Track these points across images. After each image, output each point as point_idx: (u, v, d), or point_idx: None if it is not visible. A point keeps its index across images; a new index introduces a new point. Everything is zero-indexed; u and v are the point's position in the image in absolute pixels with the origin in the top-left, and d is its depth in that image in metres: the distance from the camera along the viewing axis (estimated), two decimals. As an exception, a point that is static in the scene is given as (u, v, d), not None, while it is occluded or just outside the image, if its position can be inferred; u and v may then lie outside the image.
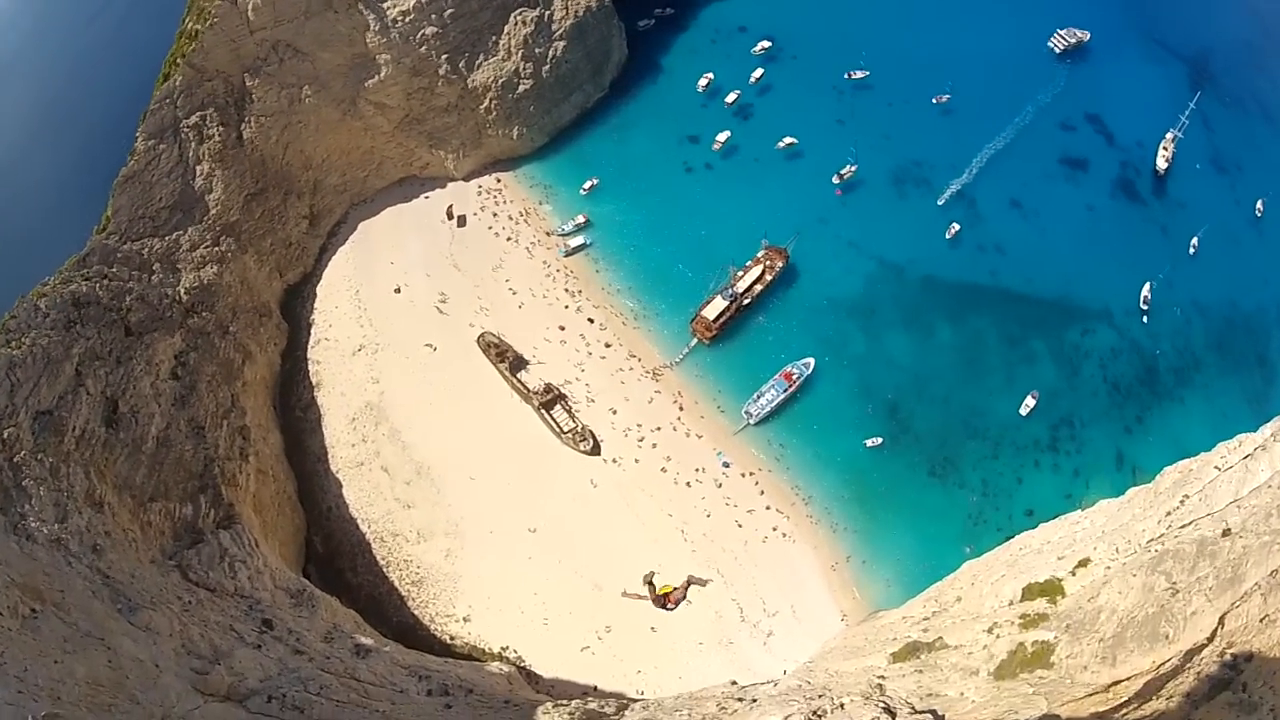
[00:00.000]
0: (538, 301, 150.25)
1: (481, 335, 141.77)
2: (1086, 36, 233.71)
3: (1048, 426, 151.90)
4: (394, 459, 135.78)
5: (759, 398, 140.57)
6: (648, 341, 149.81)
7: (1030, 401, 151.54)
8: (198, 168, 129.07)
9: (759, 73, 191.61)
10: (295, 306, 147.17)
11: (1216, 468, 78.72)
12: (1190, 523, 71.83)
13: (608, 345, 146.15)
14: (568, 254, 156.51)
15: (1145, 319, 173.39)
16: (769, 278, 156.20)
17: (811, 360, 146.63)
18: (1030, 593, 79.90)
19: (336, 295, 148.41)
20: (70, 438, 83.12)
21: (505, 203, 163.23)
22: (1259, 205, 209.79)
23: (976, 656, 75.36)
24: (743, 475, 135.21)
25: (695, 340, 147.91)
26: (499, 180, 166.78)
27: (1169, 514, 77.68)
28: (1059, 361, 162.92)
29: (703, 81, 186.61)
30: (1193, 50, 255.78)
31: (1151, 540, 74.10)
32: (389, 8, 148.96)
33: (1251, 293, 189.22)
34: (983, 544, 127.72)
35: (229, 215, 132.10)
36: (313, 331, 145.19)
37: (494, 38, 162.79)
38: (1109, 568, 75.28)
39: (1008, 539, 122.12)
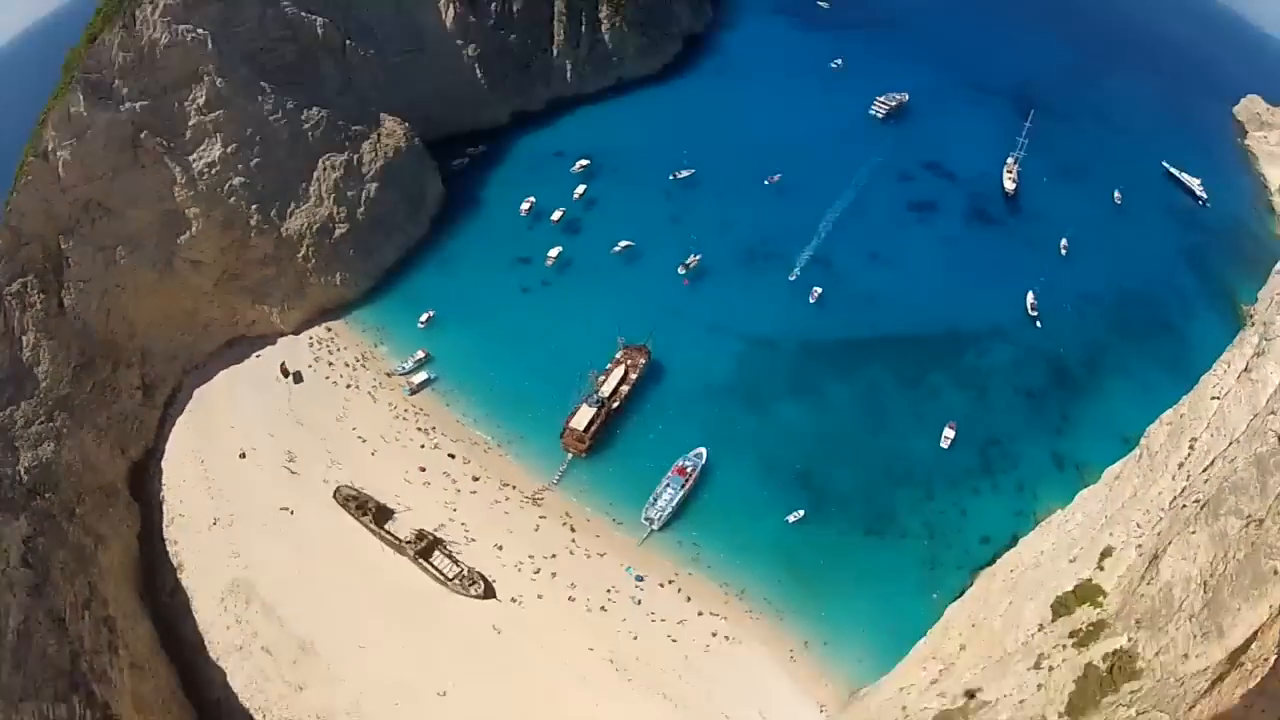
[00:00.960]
0: (391, 446, 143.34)
1: (338, 490, 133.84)
2: (905, 97, 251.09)
3: (974, 451, 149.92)
4: (274, 637, 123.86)
5: (656, 500, 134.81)
6: (519, 466, 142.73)
7: (949, 433, 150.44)
8: (23, 338, 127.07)
9: (581, 189, 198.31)
10: (143, 484, 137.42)
11: (1214, 398, 78.15)
12: (1215, 459, 68.12)
13: (476, 479, 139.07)
14: (412, 392, 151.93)
15: (1038, 324, 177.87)
16: (634, 376, 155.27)
17: (703, 450, 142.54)
18: (1063, 606, 73.77)
19: (183, 468, 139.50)
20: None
21: (339, 350, 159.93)
22: (1116, 195, 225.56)
23: (1035, 701, 67.05)
24: (661, 585, 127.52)
25: (570, 455, 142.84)
26: (329, 329, 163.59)
27: (1180, 465, 75.01)
28: (964, 387, 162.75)
29: (525, 205, 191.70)
30: (1012, 84, 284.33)
31: (1177, 497, 69.99)
32: (195, 160, 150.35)
33: (1135, 270, 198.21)
34: (948, 586, 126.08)
35: (60, 388, 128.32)
36: (165, 509, 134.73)
37: (303, 184, 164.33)
38: (1139, 546, 70.32)
39: (974, 572, 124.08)
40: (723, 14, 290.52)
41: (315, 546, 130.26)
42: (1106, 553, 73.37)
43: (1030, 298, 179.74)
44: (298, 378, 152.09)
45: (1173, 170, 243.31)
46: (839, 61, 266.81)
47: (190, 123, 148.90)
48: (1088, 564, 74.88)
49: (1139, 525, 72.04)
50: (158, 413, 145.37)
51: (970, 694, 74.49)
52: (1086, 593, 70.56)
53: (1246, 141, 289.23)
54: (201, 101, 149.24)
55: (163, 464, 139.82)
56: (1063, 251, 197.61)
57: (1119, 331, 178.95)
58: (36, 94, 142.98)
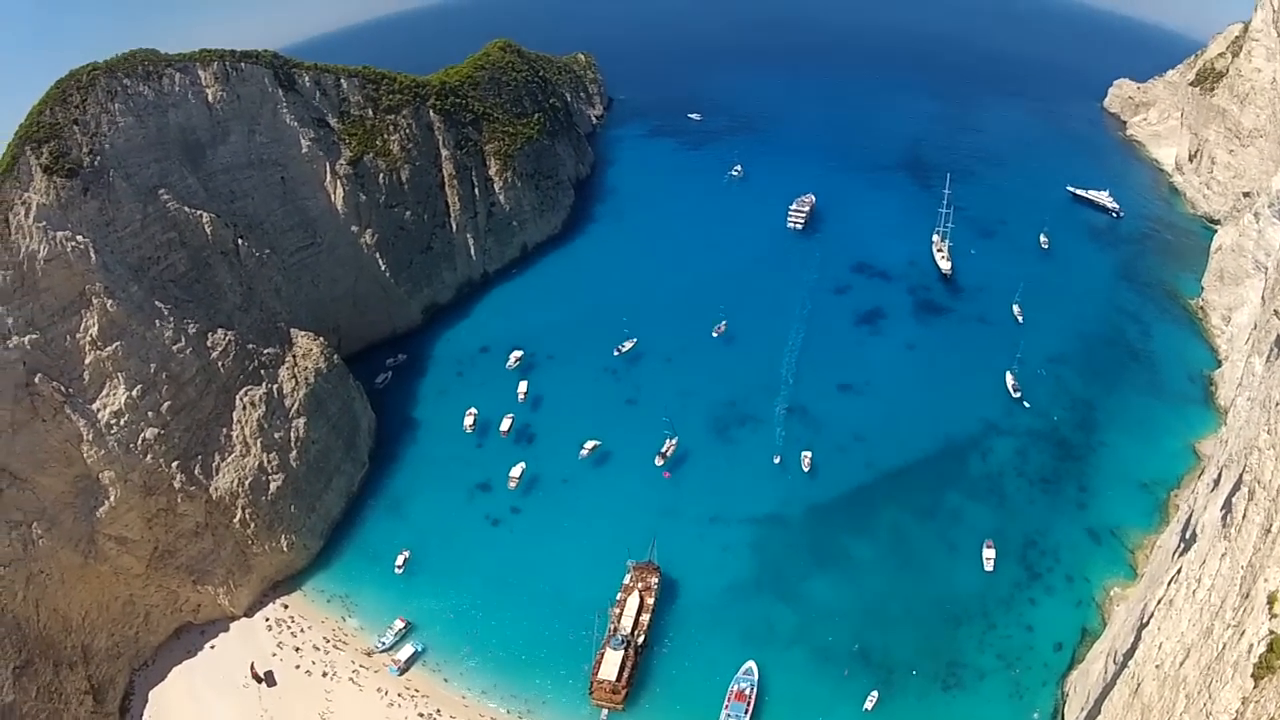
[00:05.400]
0: None
1: None
2: (813, 199, 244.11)
3: (1016, 562, 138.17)
4: None
5: None
6: None
7: (989, 553, 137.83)
8: None
9: (523, 386, 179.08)
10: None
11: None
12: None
13: None
14: (401, 671, 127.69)
15: (1026, 404, 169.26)
16: (650, 600, 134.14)
17: (752, 664, 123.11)
18: (1267, 667, 62.69)
19: None
20: None
21: (304, 630, 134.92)
22: (1042, 239, 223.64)
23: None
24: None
25: (605, 711, 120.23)
26: (286, 606, 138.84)
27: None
28: (983, 498, 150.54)
29: (468, 420, 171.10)
30: (899, 152, 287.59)
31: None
32: (99, 409, 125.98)
33: (1085, 310, 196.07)
34: (1041, 703, 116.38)
35: (3, 696, 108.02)
36: None
37: (224, 430, 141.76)
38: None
39: (1059, 680, 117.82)
40: (602, 148, 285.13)
41: None
42: (1273, 598, 65.23)
43: (1010, 379, 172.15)
44: (269, 680, 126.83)
45: (1078, 191, 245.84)
46: (739, 168, 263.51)
47: (86, 360, 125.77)
48: (1258, 619, 65.93)
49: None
50: None
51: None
52: (1288, 648, 63.68)
53: (1129, 132, 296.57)
54: (95, 332, 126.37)
55: None
56: (1019, 319, 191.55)
57: (1095, 379, 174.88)
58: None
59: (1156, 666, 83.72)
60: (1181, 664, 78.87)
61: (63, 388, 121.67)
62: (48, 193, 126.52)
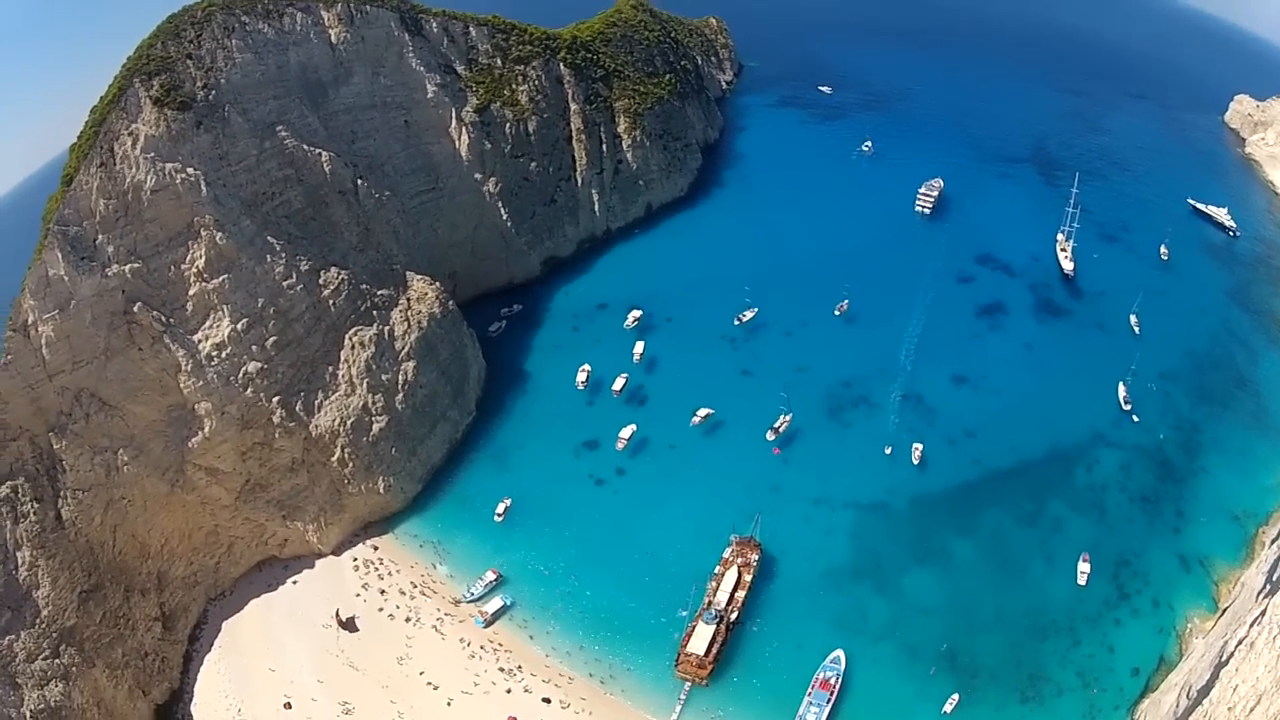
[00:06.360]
0: (470, 693, 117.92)
1: None
2: (941, 184, 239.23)
3: (1108, 580, 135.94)
4: None
5: None
6: (630, 704, 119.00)
7: (1084, 567, 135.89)
8: (18, 554, 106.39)
9: (640, 348, 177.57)
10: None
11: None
12: None
13: None
14: (487, 624, 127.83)
15: (1135, 418, 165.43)
16: (748, 577, 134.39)
17: (840, 653, 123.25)
18: None
19: (216, 718, 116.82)
20: None
21: (391, 573, 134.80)
22: (1163, 250, 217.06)
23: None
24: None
25: (688, 685, 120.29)
26: (376, 548, 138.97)
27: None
28: (1084, 511, 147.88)
29: (581, 376, 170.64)
30: (1027, 145, 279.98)
31: None
32: (200, 341, 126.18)
33: (1199, 330, 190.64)
34: None
35: (65, 618, 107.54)
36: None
37: (330, 368, 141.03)
38: None
39: (1132, 709, 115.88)
40: (732, 115, 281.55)
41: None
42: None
43: (1122, 390, 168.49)
44: (351, 626, 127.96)
45: (1199, 206, 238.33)
46: (869, 144, 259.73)
47: (190, 292, 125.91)
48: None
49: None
50: (181, 648, 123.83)
51: None
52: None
53: (1247, 150, 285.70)
54: (201, 264, 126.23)
55: (192, 709, 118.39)
56: (1135, 329, 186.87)
57: (1203, 401, 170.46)
58: (23, 254, 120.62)
59: (1229, 709, 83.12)
60: (1252, 710, 77.80)
61: (163, 317, 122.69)
62: (157, 124, 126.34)
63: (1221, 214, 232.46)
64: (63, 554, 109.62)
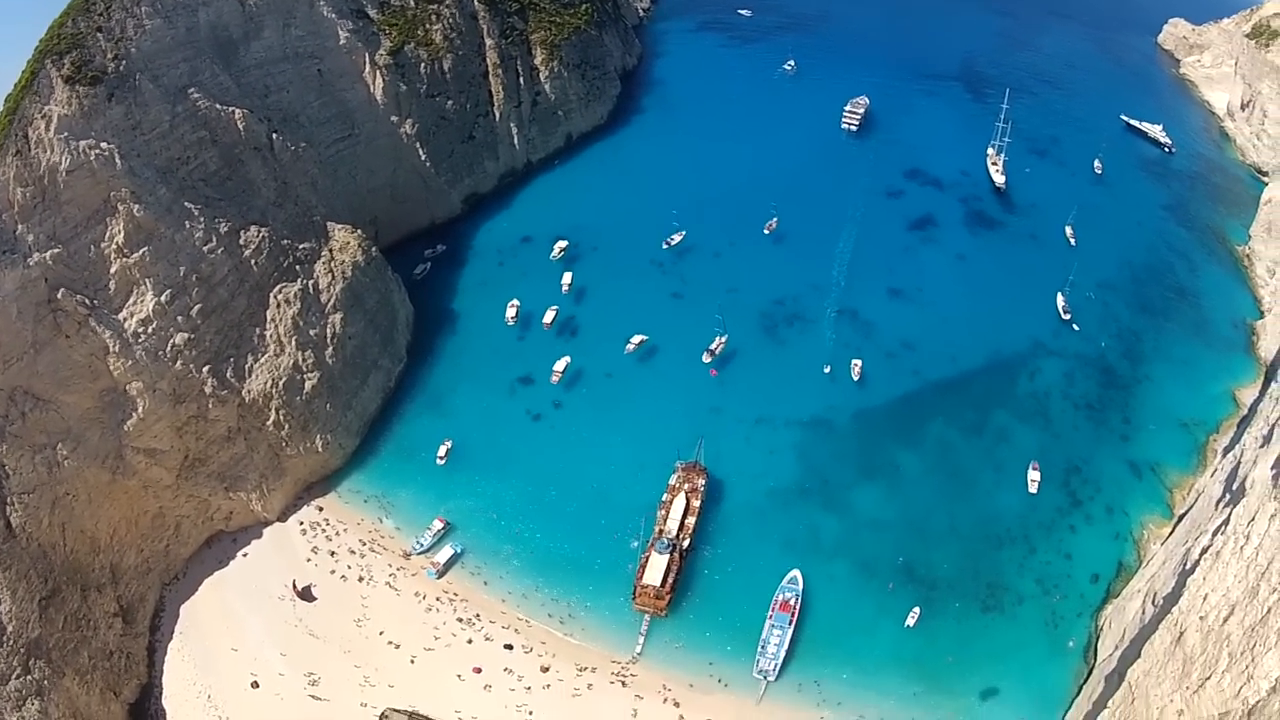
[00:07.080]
0: (432, 648, 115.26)
1: (384, 716, 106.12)
2: (866, 100, 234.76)
3: (1059, 487, 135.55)
4: None
5: (765, 648, 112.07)
6: (591, 643, 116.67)
7: (1034, 475, 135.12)
8: None
9: (568, 278, 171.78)
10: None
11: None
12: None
13: (545, 669, 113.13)
14: (439, 574, 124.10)
15: (1075, 327, 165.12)
16: (696, 503, 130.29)
17: (797, 573, 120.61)
18: None
19: (188, 707, 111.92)
20: None
21: (339, 533, 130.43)
22: (1096, 165, 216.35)
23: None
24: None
25: (648, 617, 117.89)
26: (321, 509, 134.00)
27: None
28: (1030, 419, 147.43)
29: (510, 311, 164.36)
30: (955, 64, 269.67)
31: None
32: (125, 319, 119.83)
33: (1136, 242, 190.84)
34: (1076, 633, 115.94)
35: (30, 631, 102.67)
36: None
37: (257, 330, 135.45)
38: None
39: (1095, 614, 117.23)
40: (650, 41, 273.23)
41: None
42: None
43: (1060, 300, 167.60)
44: (307, 595, 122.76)
45: (1132, 122, 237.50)
46: (791, 64, 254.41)
47: (112, 270, 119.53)
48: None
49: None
50: (144, 640, 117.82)
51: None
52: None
53: (1182, 71, 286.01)
54: (120, 239, 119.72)
55: (164, 703, 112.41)
56: (1071, 241, 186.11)
57: (1143, 311, 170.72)
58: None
59: (1200, 618, 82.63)
60: (1225, 620, 78.87)
61: (87, 300, 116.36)
62: (69, 103, 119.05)
63: (1156, 130, 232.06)
64: (17, 564, 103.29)
